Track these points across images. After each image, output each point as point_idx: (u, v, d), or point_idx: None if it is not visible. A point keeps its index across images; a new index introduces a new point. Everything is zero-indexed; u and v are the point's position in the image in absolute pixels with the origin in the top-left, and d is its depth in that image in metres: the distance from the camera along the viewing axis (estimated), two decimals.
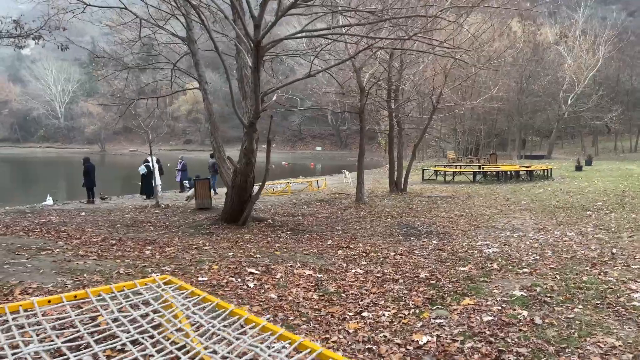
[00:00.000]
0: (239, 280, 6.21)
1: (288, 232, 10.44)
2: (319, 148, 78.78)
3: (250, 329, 3.28)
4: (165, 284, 4.13)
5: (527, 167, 25.90)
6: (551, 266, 7.20)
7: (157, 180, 23.06)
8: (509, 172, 24.00)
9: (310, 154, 74.91)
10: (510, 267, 7.15)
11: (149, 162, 23.28)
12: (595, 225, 10.74)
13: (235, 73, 11.00)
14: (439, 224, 11.72)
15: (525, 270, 6.96)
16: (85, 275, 5.80)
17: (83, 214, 14.16)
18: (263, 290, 5.85)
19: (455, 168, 27.26)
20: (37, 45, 14.19)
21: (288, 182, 21.77)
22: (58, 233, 9.09)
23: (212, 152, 14.04)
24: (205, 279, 6.13)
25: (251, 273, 6.60)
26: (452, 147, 46.28)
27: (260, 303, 5.37)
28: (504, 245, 9.05)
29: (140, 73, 17.29)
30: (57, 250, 7.18)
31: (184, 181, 23.58)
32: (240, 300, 5.40)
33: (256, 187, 11.27)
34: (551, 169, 24.87)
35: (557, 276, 6.55)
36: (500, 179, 23.46)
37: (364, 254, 8.31)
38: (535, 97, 44.60)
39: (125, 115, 19.49)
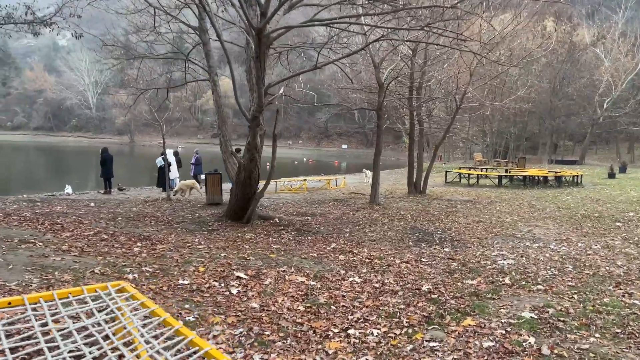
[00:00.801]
0: (223, 285, 5.75)
1: (292, 233, 9.95)
2: (344, 146, 78.13)
3: (190, 354, 2.80)
4: (117, 292, 3.69)
5: (555, 172, 24.82)
6: (570, 283, 6.52)
7: (174, 173, 22.93)
8: (536, 177, 23.01)
9: (336, 152, 74.37)
10: (523, 283, 6.50)
11: (166, 154, 23.18)
12: (624, 239, 9.92)
13: (247, 64, 10.53)
14: (454, 230, 11.06)
15: (540, 287, 6.30)
16: (56, 273, 5.43)
17: (92, 204, 13.97)
18: (246, 298, 5.38)
19: (481, 171, 26.33)
20: (52, 31, 14.06)
21: (304, 180, 21.30)
22: (52, 224, 8.81)
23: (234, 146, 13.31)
24: (186, 282, 5.69)
25: (238, 277, 6.13)
26: (481, 149, 45.09)
27: (238, 313, 4.89)
28: (521, 256, 8.36)
29: (171, 64, 16.92)
30: (40, 244, 6.86)
31: (199, 175, 23.46)
32: (216, 309, 4.93)
33: (262, 184, 10.82)
34: (581, 175, 23.76)
35: (575, 296, 5.89)
36: (526, 184, 22.51)
37: (367, 260, 7.76)
38: (569, 100, 43.05)
39: (154, 107, 19.25)
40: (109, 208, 13.05)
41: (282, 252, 7.84)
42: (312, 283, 6.21)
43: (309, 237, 9.53)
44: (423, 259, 8.03)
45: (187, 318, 4.54)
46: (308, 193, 19.18)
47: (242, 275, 6.22)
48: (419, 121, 17.25)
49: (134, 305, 3.44)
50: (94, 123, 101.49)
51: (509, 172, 25.21)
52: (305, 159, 56.11)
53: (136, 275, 5.68)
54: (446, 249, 8.95)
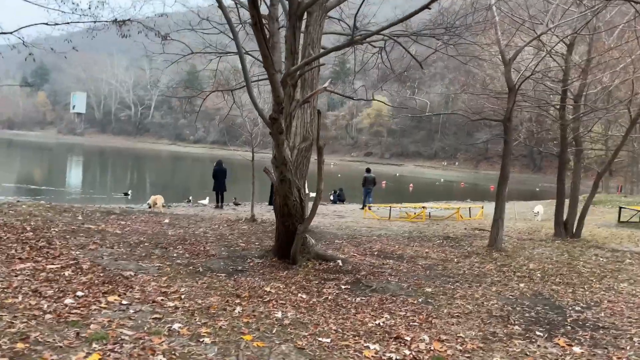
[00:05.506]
0: None
1: (343, 287, 6.98)
2: None
3: None
4: None
5: None
6: None
7: None
8: None
9: (496, 176, 67.53)
10: None
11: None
12: None
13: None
14: (606, 305, 7.01)
15: None
16: None
17: (166, 220, 12.59)
18: None
19: None
20: (140, 33, 13.09)
21: (423, 207, 17.83)
22: (37, 249, 7.11)
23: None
24: None
25: None
26: None
27: None
28: None
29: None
30: None
31: None
32: None
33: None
34: None
35: None
36: None
37: None
38: None
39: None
40: (174, 227, 11.44)
41: (278, 328, 4.97)
42: None
43: (359, 298, 6.49)
44: None
45: None
46: (425, 223, 15.77)
47: None
48: (575, 139, 12.86)
49: None
50: (258, 139, 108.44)
51: None
52: (442, 180, 51.98)
53: None
54: (577, 349, 5.22)
